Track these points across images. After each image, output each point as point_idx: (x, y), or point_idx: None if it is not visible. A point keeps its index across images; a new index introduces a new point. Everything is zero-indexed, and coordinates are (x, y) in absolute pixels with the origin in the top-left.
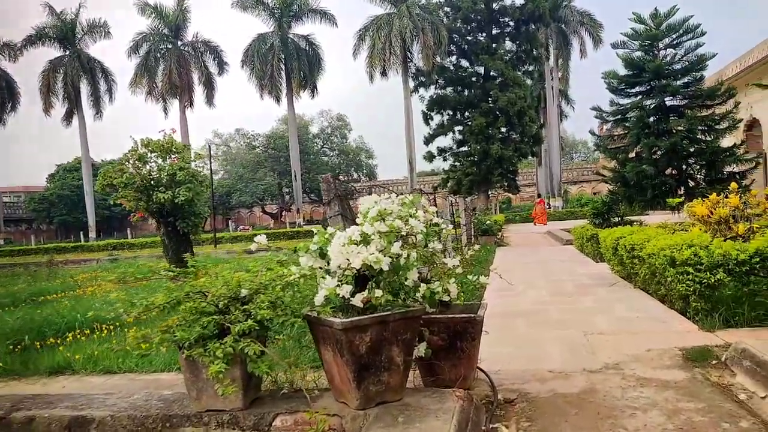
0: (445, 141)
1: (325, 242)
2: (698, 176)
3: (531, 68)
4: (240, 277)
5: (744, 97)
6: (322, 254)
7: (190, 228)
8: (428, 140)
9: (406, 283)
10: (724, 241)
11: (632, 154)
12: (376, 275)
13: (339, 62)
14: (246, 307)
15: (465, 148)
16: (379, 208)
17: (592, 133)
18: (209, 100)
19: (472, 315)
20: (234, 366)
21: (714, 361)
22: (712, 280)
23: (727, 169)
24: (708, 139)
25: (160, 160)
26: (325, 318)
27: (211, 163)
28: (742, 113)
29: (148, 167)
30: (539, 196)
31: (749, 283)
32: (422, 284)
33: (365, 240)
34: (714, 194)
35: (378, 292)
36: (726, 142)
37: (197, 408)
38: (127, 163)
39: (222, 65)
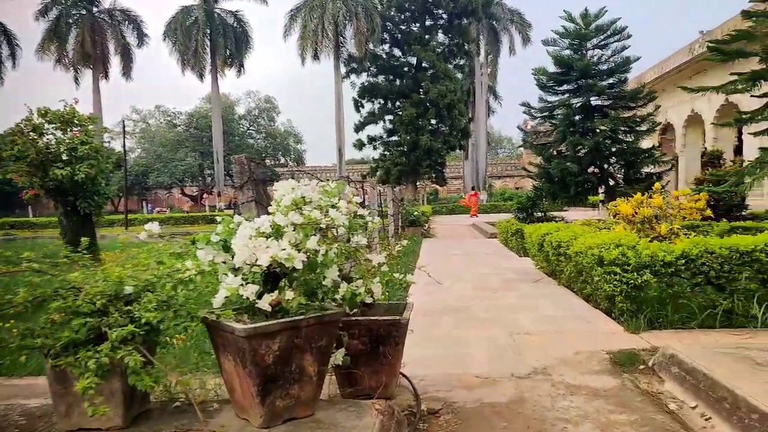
0: (375, 129)
1: (229, 233)
2: (618, 175)
3: (462, 62)
4: (121, 273)
5: (659, 102)
6: (227, 247)
7: (93, 208)
8: (359, 128)
9: (324, 282)
10: (650, 241)
11: (559, 151)
12: (289, 273)
13: (270, 43)
14: (130, 307)
15: (395, 138)
16: (294, 196)
17: (520, 128)
18: (126, 72)
19: (397, 318)
20: (112, 378)
21: (642, 366)
22: (639, 281)
23: (645, 169)
24: (629, 140)
25: (59, 133)
26: (225, 323)
27: (124, 139)
28: (658, 117)
29: (45, 139)
30: (473, 188)
31: (673, 284)
32: (343, 283)
33: (277, 232)
34: (638, 194)
35: (289, 294)
36: (644, 144)
37: (66, 426)
38: (19, 133)
39: (142, 36)
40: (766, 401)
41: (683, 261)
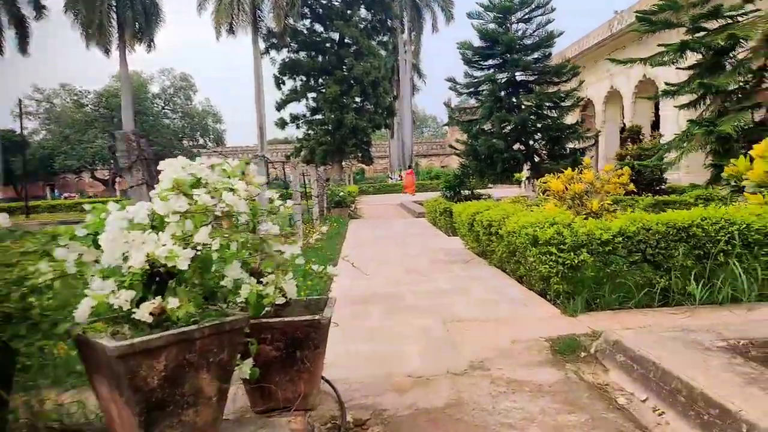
0: (298, 108)
1: (101, 225)
2: (543, 152)
3: (385, 39)
4: None
5: (605, 66)
6: (98, 243)
7: None
8: (280, 106)
9: (222, 283)
10: (585, 219)
11: (485, 128)
12: (178, 274)
13: (184, 17)
14: None
15: (319, 116)
16: (179, 177)
17: (447, 105)
18: (23, 47)
19: (316, 318)
20: None
21: (584, 354)
22: (576, 261)
23: (569, 145)
24: (553, 115)
25: None
26: (93, 339)
27: (21, 120)
28: (581, 92)
29: None
30: (409, 167)
31: (610, 263)
32: (248, 282)
33: (161, 224)
34: (569, 170)
35: (173, 301)
36: (568, 120)
37: None
38: None
39: (40, 9)
40: (726, 394)
41: (620, 239)
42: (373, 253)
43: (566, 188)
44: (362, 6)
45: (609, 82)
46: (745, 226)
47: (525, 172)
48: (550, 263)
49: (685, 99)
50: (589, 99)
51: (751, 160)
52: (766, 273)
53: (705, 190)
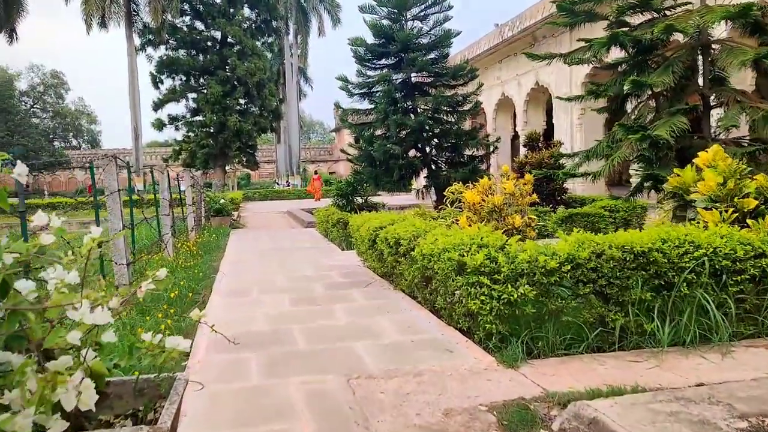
0: (178, 108)
1: None
2: (440, 159)
3: (271, 40)
4: None
5: (496, 73)
6: None
7: None
8: (158, 106)
9: None
10: (509, 236)
11: (379, 132)
12: None
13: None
14: None
15: (200, 118)
16: None
17: (337, 105)
18: None
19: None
20: None
21: None
22: (515, 296)
23: (467, 152)
24: (451, 120)
25: None
26: None
27: None
28: (480, 96)
29: None
30: (316, 172)
31: (555, 297)
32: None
33: None
34: (486, 179)
35: None
36: (464, 126)
37: None
38: None
39: None
40: None
41: (568, 267)
42: (256, 274)
43: (483, 200)
44: (245, 5)
45: (500, 90)
46: (712, 250)
47: (422, 180)
48: (482, 297)
49: (591, 103)
50: (481, 106)
51: (698, 170)
52: (738, 306)
53: (613, 201)
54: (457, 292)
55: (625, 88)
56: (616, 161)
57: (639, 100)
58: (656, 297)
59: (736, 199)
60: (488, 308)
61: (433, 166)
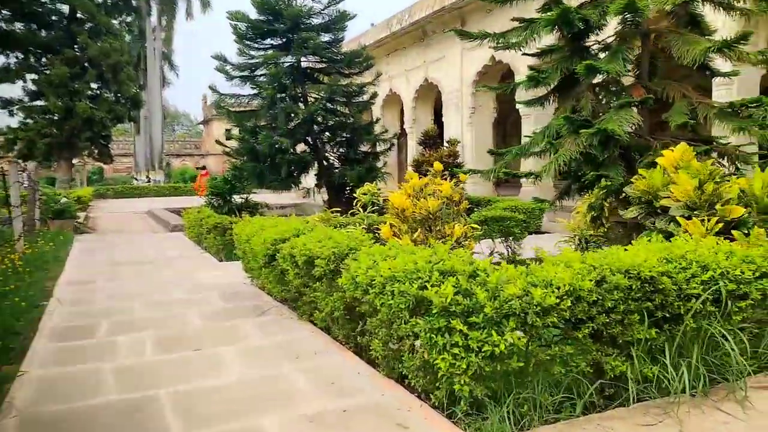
0: (12, 90)
1: None
2: (332, 155)
3: (130, 20)
4: None
5: (384, 68)
6: None
7: None
8: None
9: None
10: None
11: (264, 122)
12: None
13: None
14: None
15: (42, 103)
16: None
17: (213, 89)
18: None
19: None
20: None
21: None
22: (502, 347)
23: (363, 148)
24: (346, 112)
25: None
26: None
27: None
28: (379, 86)
29: None
30: (203, 168)
31: (549, 343)
32: None
33: None
34: (416, 176)
35: None
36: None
37: None
38: None
39: None
40: None
41: (569, 302)
42: (106, 300)
43: (414, 205)
44: None
45: (388, 85)
46: (720, 272)
47: (311, 178)
48: (454, 351)
49: (528, 94)
50: (395, 93)
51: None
52: (752, 340)
53: (512, 202)
54: (417, 343)
55: (579, 72)
56: (562, 160)
57: (578, 92)
58: (660, 333)
59: (717, 207)
60: (464, 366)
61: (325, 163)
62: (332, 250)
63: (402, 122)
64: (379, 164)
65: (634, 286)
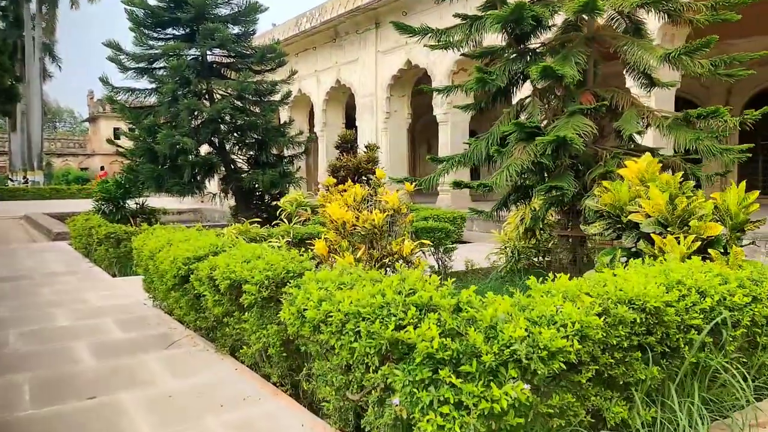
0: None
1: None
2: (241, 158)
3: (4, 4)
4: None
5: (293, 67)
6: None
7: None
8: None
9: None
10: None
11: (164, 120)
12: None
13: None
14: None
15: None
16: None
17: (105, 81)
18: None
19: None
20: None
21: None
22: (504, 404)
23: (275, 152)
24: (257, 111)
25: None
26: None
27: None
28: (293, 86)
29: None
30: (102, 168)
31: (549, 393)
32: None
33: None
34: (358, 186)
35: None
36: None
37: None
38: None
39: None
40: None
41: (578, 343)
42: None
43: (357, 218)
44: None
45: (297, 86)
46: (719, 298)
47: (215, 183)
48: (444, 410)
49: (398, 105)
50: (304, 94)
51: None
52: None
53: (434, 211)
54: (396, 402)
55: (533, 76)
56: (513, 169)
57: (522, 97)
58: (661, 371)
59: (692, 223)
60: (456, 428)
61: (233, 166)
62: (266, 274)
63: (311, 125)
64: (294, 168)
65: (638, 319)
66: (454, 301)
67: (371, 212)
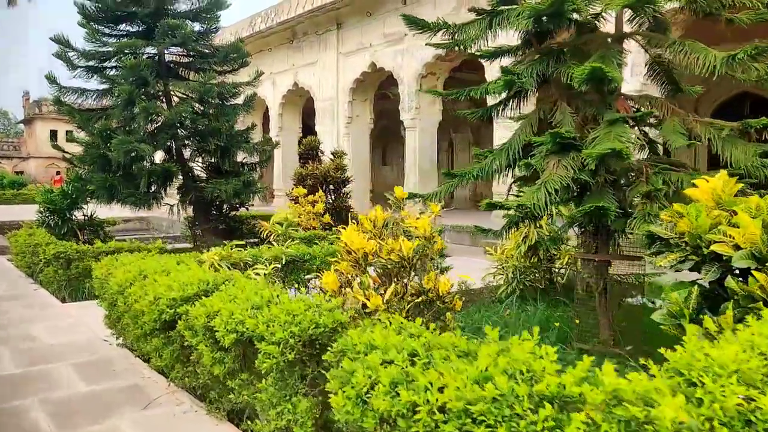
0: None
1: None
2: (197, 165)
3: None
4: None
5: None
6: None
7: None
8: None
9: None
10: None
11: (116, 124)
12: None
13: None
14: None
15: None
16: None
17: (50, 79)
18: None
19: None
20: None
21: None
22: None
23: (239, 158)
24: (222, 115)
25: None
26: None
27: None
28: (257, 88)
29: None
30: (58, 172)
31: None
32: None
33: None
34: (378, 209)
35: None
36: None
37: None
38: None
39: None
40: None
41: None
42: None
43: (380, 247)
44: None
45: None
46: None
47: (173, 193)
48: None
49: (359, 110)
50: (259, 97)
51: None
52: None
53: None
54: None
55: (576, 79)
56: (552, 186)
57: (545, 103)
58: None
59: None
60: None
61: (190, 174)
62: (290, 330)
63: (265, 129)
64: (257, 176)
65: None
66: (603, 396)
67: (397, 239)
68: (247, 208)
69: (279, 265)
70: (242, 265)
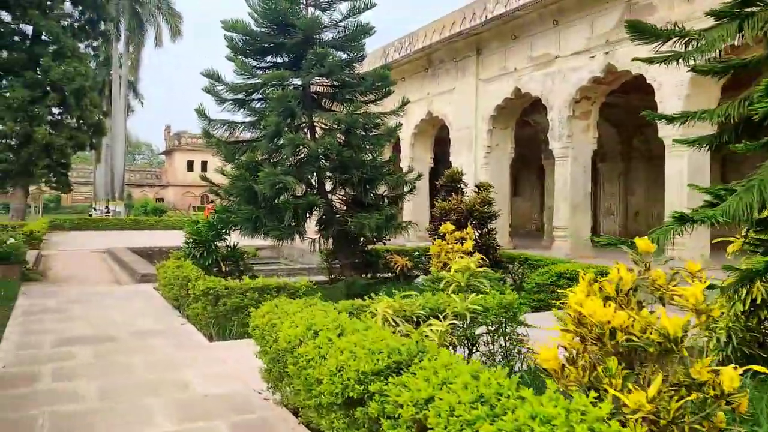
0: None
1: None
2: (337, 197)
3: (96, 44)
4: None
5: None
6: None
7: None
8: None
9: None
10: None
11: (261, 156)
12: None
13: None
14: None
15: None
16: None
17: (200, 113)
18: None
19: None
20: None
21: None
22: None
23: (380, 191)
24: (364, 146)
25: None
26: None
27: None
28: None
29: None
30: (211, 202)
31: None
32: None
33: None
34: (622, 267)
35: None
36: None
37: None
38: None
39: None
40: None
41: None
42: (48, 423)
43: (632, 321)
44: None
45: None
46: None
47: (313, 227)
48: None
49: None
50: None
51: None
52: None
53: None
54: None
55: None
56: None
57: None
58: None
59: None
60: None
61: (331, 207)
62: None
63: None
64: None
65: None
66: None
67: (652, 312)
68: (384, 243)
69: (459, 323)
70: (415, 319)
